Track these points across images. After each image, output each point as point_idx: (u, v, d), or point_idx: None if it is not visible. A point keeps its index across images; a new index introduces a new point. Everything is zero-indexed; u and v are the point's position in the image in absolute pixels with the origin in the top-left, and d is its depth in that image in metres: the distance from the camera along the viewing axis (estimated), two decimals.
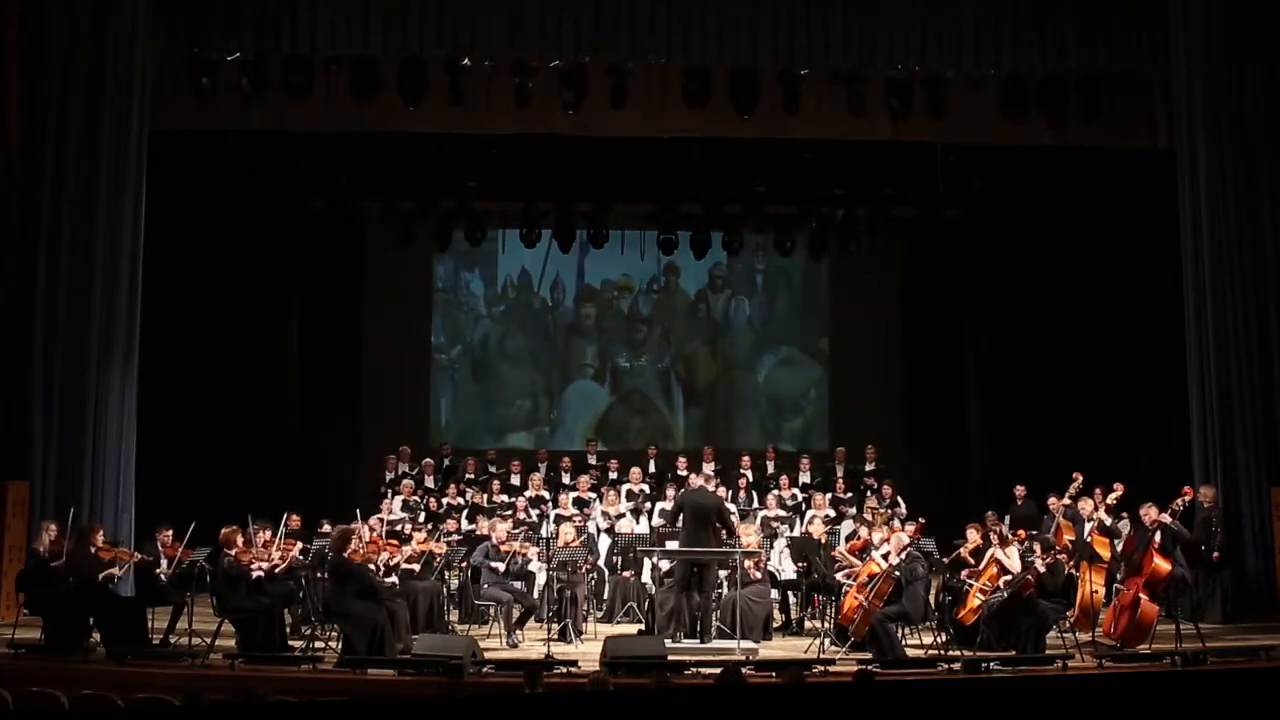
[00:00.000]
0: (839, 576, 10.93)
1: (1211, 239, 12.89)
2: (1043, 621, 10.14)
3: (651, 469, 15.48)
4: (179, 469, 14.99)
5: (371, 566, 10.47)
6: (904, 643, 10.46)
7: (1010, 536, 11.15)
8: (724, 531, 11.00)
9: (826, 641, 10.49)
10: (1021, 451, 15.91)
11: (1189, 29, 12.99)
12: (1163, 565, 10.78)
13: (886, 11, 13.02)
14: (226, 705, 6.74)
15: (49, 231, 12.25)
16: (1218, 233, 12.88)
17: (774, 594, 11.69)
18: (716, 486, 13.81)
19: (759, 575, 11.21)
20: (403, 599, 10.66)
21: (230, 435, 16.20)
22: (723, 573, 11.18)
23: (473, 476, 15.05)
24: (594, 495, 14.13)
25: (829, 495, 13.96)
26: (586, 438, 16.82)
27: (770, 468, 15.21)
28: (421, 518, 13.50)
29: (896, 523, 12.37)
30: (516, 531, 12.17)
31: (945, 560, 11.40)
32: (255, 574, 10.29)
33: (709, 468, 15.01)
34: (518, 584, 11.46)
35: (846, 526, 13.17)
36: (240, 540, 10.46)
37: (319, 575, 11.12)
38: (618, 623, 12.04)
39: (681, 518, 11.02)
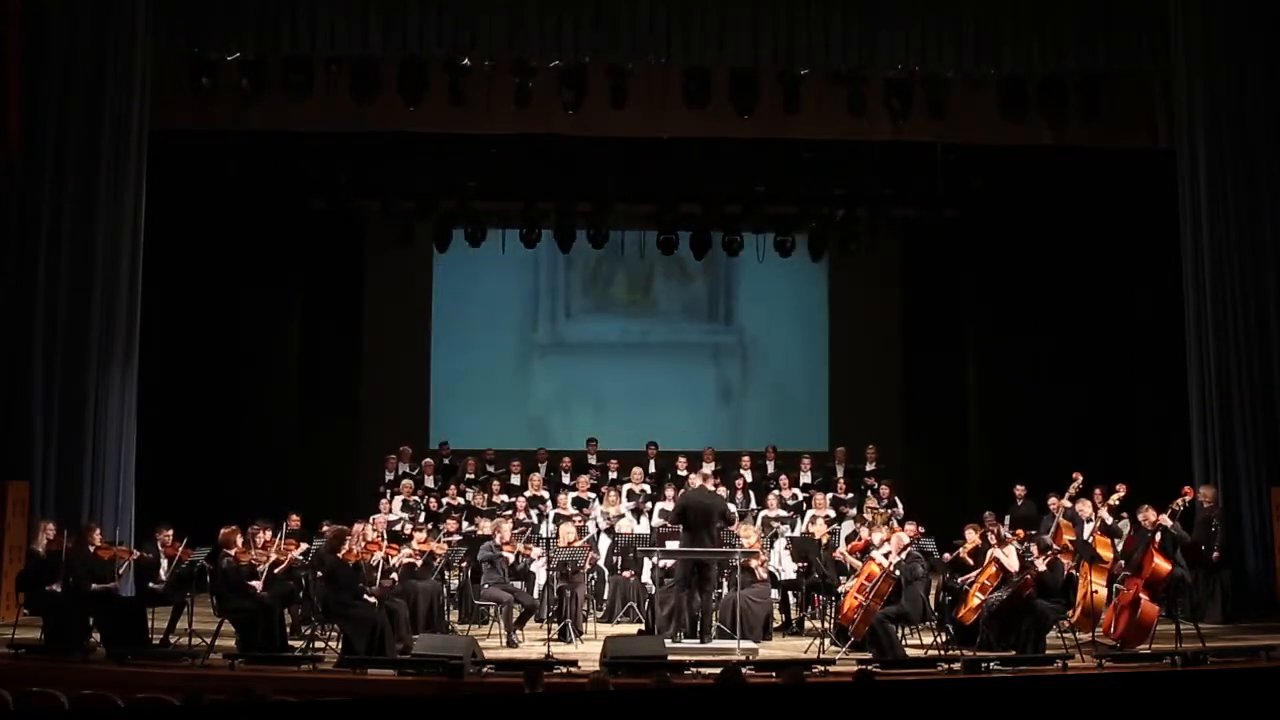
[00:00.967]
0: (847, 584, 10.90)
1: (1211, 239, 12.89)
2: (1042, 621, 10.15)
3: (652, 469, 15.47)
4: (179, 469, 14.99)
5: (372, 565, 10.48)
6: (904, 643, 10.46)
7: (1010, 536, 11.15)
8: (725, 526, 11.01)
9: (826, 641, 10.49)
10: (1021, 451, 15.90)
11: (1189, 29, 12.99)
12: (1162, 565, 10.78)
13: (886, 11, 13.02)
14: (226, 705, 6.74)
15: (49, 231, 12.25)
16: (1218, 233, 12.88)
17: (774, 594, 11.69)
18: (716, 486, 13.83)
19: (764, 575, 11.22)
20: (403, 599, 10.66)
21: (230, 435, 16.20)
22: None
23: (473, 477, 15.05)
24: (594, 495, 14.13)
25: (829, 495, 13.96)
26: (587, 438, 16.81)
27: (770, 468, 15.21)
28: (421, 518, 13.50)
29: (896, 523, 12.36)
30: (518, 531, 12.17)
31: (945, 560, 11.40)
32: (258, 570, 10.29)
33: (708, 467, 15.01)
34: (518, 584, 11.47)
35: (847, 526, 13.17)
36: (240, 540, 10.46)
37: (319, 575, 11.12)
38: (618, 623, 12.04)
39: (686, 518, 11.01)
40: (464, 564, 12.05)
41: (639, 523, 13.07)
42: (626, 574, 12.40)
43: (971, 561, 11.17)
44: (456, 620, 11.89)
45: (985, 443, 17.11)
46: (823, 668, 9.38)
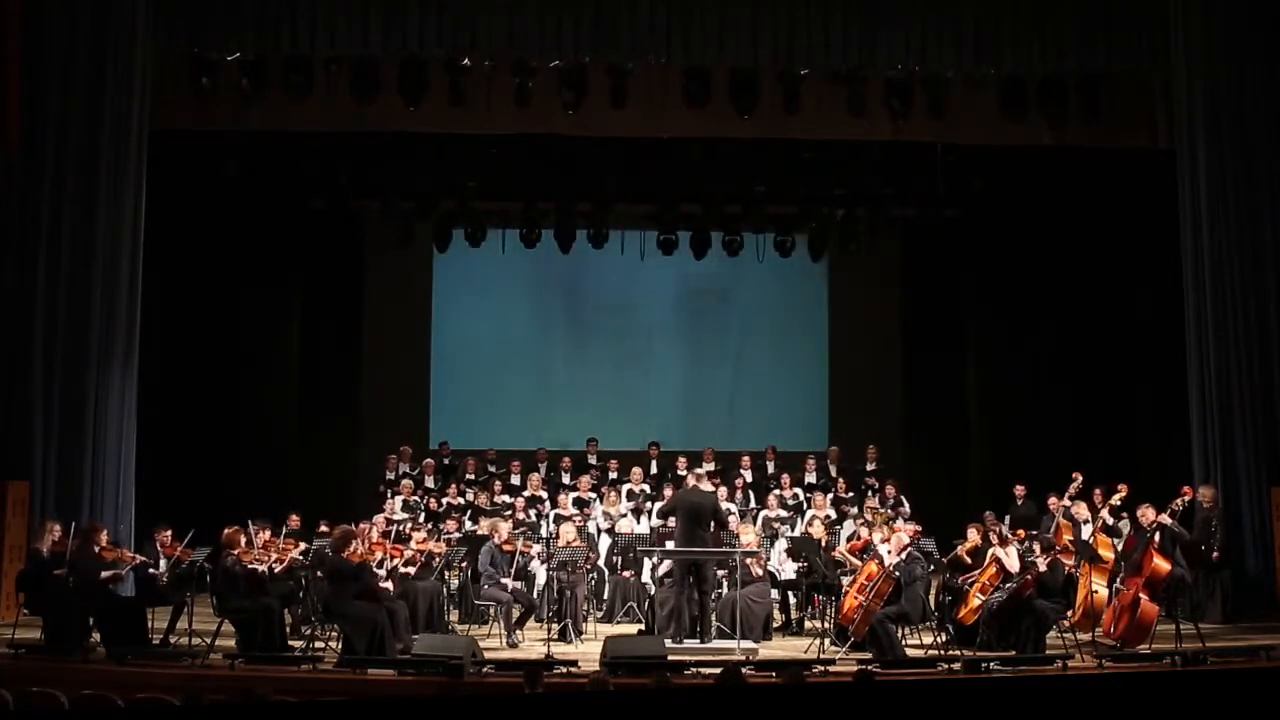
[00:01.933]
0: (846, 583, 10.90)
1: (1211, 239, 12.89)
2: (1042, 621, 10.15)
3: (652, 469, 15.47)
4: (179, 469, 14.99)
5: (374, 567, 10.48)
6: (904, 643, 10.46)
7: (1010, 536, 11.15)
8: (717, 529, 11.01)
9: (826, 641, 10.49)
10: (1021, 451, 15.92)
11: (1189, 29, 12.99)
12: (1162, 565, 10.78)
13: (886, 11, 13.02)
14: (226, 705, 6.74)
15: (49, 231, 12.25)
16: (1218, 233, 12.89)
17: (774, 594, 11.69)
18: (716, 486, 13.82)
19: (760, 572, 11.22)
20: (403, 599, 10.66)
21: (230, 435, 16.20)
22: (721, 571, 11.18)
23: (473, 477, 15.06)
24: (594, 495, 14.13)
25: (830, 495, 13.96)
26: (587, 438, 16.82)
27: (770, 468, 15.21)
28: (421, 518, 13.51)
29: (900, 522, 12.36)
30: (518, 531, 12.18)
31: (944, 560, 11.40)
32: (259, 570, 10.29)
33: (708, 467, 15.01)
34: (518, 584, 11.47)
35: (847, 527, 13.17)
36: (243, 541, 10.46)
37: (318, 575, 11.12)
38: (618, 623, 12.04)
39: (675, 518, 11.00)
40: (464, 564, 12.05)
41: (639, 523, 13.07)
42: (626, 574, 12.41)
43: (970, 561, 11.17)
44: (456, 620, 11.89)
45: (985, 443, 17.11)
46: (823, 668, 9.38)
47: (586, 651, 10.33)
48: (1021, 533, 11.57)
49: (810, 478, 14.87)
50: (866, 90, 13.46)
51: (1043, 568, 10.25)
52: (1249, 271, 12.84)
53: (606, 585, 12.46)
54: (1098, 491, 12.08)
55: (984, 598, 10.49)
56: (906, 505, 13.78)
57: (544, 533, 12.22)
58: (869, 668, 9.03)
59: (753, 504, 14.06)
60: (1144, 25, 13.20)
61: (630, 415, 17.69)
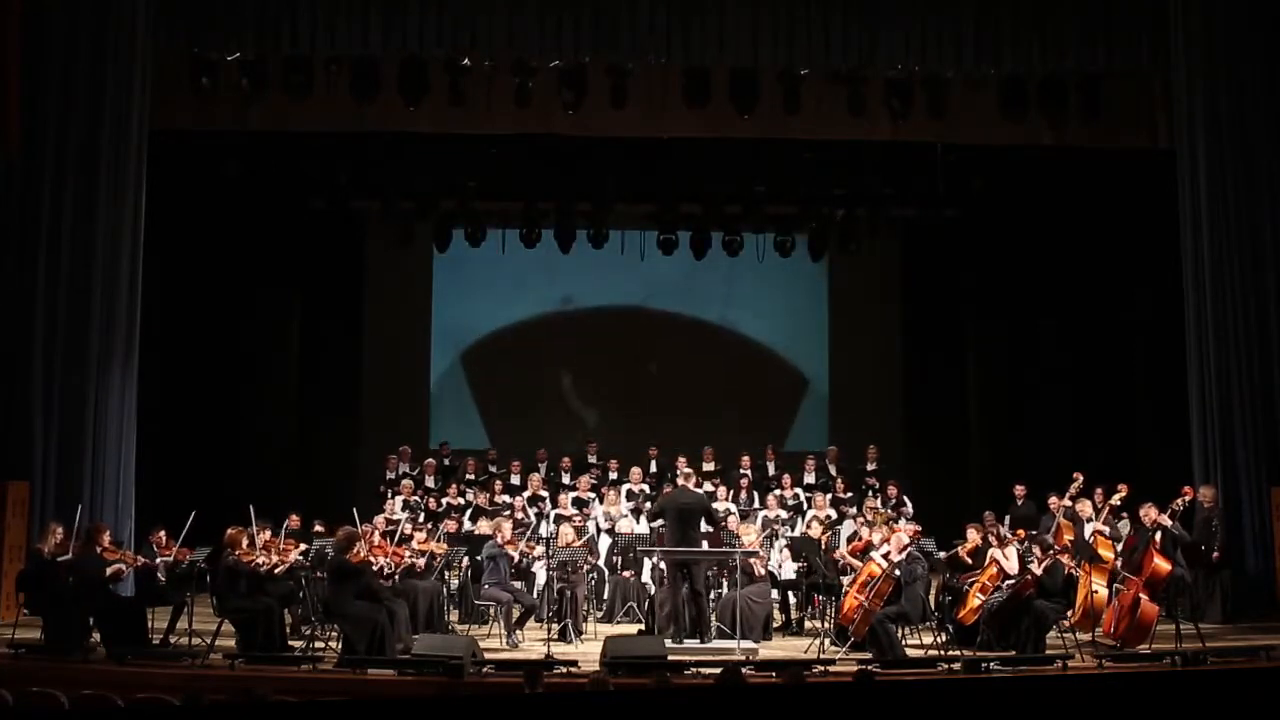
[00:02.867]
0: (846, 583, 10.90)
1: (1211, 239, 12.89)
2: (1042, 621, 10.14)
3: (652, 469, 15.47)
4: (179, 469, 14.99)
5: (374, 567, 10.48)
6: (904, 643, 10.46)
7: (1010, 536, 11.15)
8: (711, 527, 11.00)
9: (826, 641, 10.49)
10: (1021, 451, 15.92)
11: (1189, 29, 12.99)
12: (1162, 565, 10.78)
13: (886, 11, 13.02)
14: (226, 705, 6.74)
15: (49, 231, 12.25)
16: (1218, 233, 12.89)
17: (774, 594, 11.69)
18: (716, 486, 13.84)
19: (762, 572, 11.22)
20: (403, 599, 10.66)
21: (230, 435, 16.20)
22: (711, 571, 11.17)
23: (473, 477, 15.06)
24: (594, 495, 14.13)
25: (829, 495, 13.96)
26: (587, 438, 16.83)
27: (771, 468, 15.21)
28: (421, 518, 13.51)
29: (902, 521, 12.36)
30: (519, 531, 12.18)
31: (943, 559, 11.39)
32: (260, 571, 10.29)
33: (708, 466, 15.03)
34: (518, 584, 11.47)
35: (847, 527, 13.17)
36: (245, 541, 10.46)
37: (319, 575, 11.13)
38: (618, 623, 12.04)
39: (665, 519, 10.99)
40: (464, 564, 12.05)
41: (639, 523, 13.07)
42: (626, 574, 12.41)
43: (970, 561, 11.17)
44: (456, 620, 11.89)
45: (985, 443, 17.12)
46: (823, 668, 9.37)
47: (586, 651, 10.33)
48: (1021, 533, 11.57)
49: (809, 478, 14.86)
50: (866, 90, 13.46)
51: (1039, 571, 10.26)
52: (1249, 271, 12.85)
53: (606, 585, 12.46)
54: (1098, 491, 12.08)
55: (984, 598, 10.49)
56: (909, 505, 13.78)
57: (544, 532, 12.22)
58: (869, 668, 9.02)
59: (756, 504, 14.06)
60: (1144, 25, 13.20)
61: (630, 415, 17.69)
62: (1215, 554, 12.01)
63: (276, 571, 10.58)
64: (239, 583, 10.20)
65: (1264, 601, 12.33)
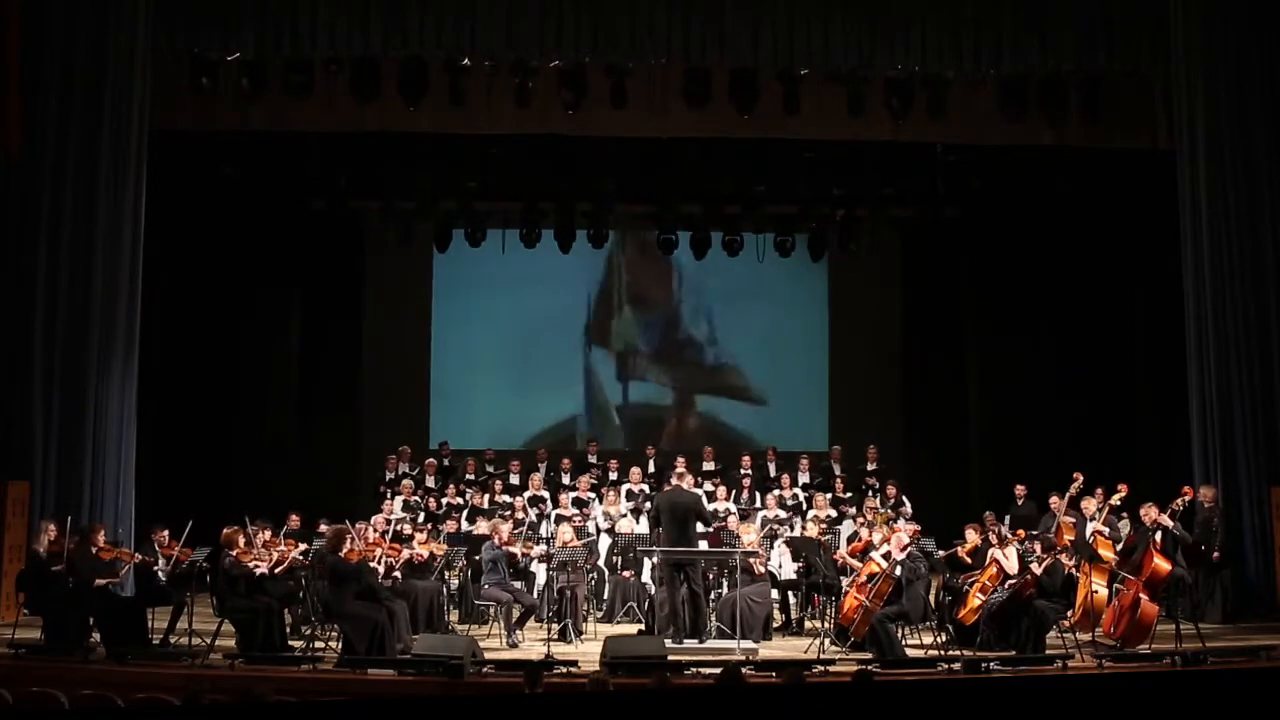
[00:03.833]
0: (846, 583, 10.90)
1: (1211, 239, 12.90)
2: (1042, 621, 10.15)
3: (651, 469, 15.47)
4: (179, 469, 14.99)
5: (372, 562, 10.48)
6: (904, 643, 10.46)
7: (1010, 536, 11.15)
8: (703, 526, 11.00)
9: (826, 641, 10.49)
10: (1021, 451, 15.91)
11: (1189, 29, 12.99)
12: (1162, 565, 10.78)
13: (886, 11, 13.02)
14: (226, 705, 6.73)
15: (49, 231, 12.25)
16: (1217, 233, 12.89)
17: (774, 594, 11.69)
18: (717, 486, 13.84)
19: (761, 572, 11.22)
20: (403, 599, 10.66)
21: (230, 435, 16.21)
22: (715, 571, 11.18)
23: (473, 477, 15.05)
24: (594, 495, 14.13)
25: (829, 495, 13.96)
26: (588, 438, 16.82)
27: (771, 468, 15.21)
28: (421, 518, 13.51)
29: (901, 522, 12.36)
30: (518, 531, 12.18)
31: (941, 558, 11.38)
32: (258, 571, 10.29)
33: (708, 466, 15.03)
34: (518, 584, 11.47)
35: (847, 527, 13.17)
36: (241, 541, 10.47)
37: (318, 575, 11.13)
38: (618, 623, 12.04)
39: (661, 519, 11.00)
40: (464, 564, 12.05)
41: (638, 523, 13.07)
42: (626, 574, 12.41)
43: (970, 561, 11.17)
44: (456, 620, 11.89)
45: (985, 442, 17.11)
46: (823, 668, 9.37)
47: (586, 651, 10.33)
48: (1021, 533, 11.57)
49: (804, 478, 14.86)
50: (866, 90, 13.45)
51: (1039, 571, 10.26)
52: (1249, 271, 12.85)
53: (606, 585, 12.46)
54: (1098, 491, 12.07)
55: (984, 598, 10.49)
56: (908, 505, 13.78)
57: (544, 532, 12.22)
58: (869, 668, 9.02)
59: (757, 503, 14.06)
60: (1144, 25, 13.20)
61: (630, 415, 17.69)
62: (1215, 554, 12.01)
63: (276, 571, 10.58)
64: (238, 583, 10.20)
65: (1264, 602, 12.33)
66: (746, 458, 15.31)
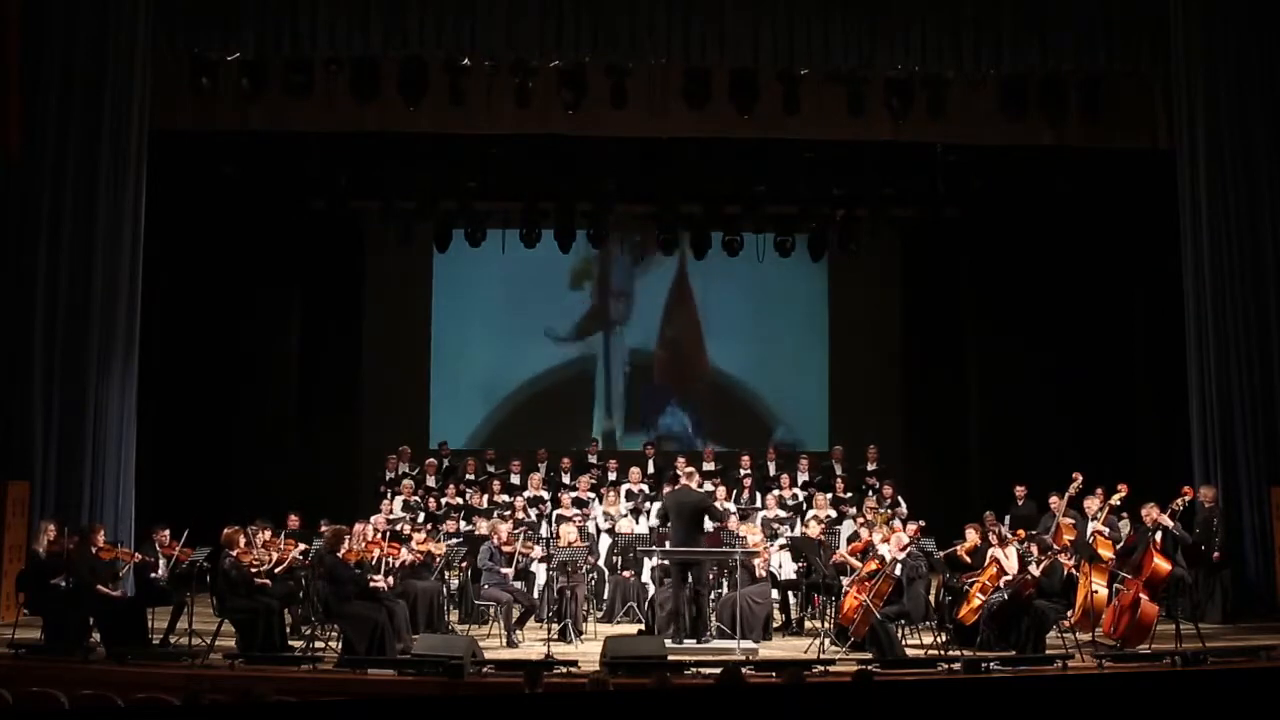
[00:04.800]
0: (846, 583, 10.90)
1: (1211, 239, 12.90)
2: (1043, 621, 10.15)
3: (650, 469, 15.47)
4: (179, 469, 14.99)
5: (372, 560, 10.48)
6: (904, 643, 10.47)
7: (1010, 536, 11.15)
8: (712, 524, 11.00)
9: (826, 641, 10.49)
10: (1021, 451, 15.91)
11: (1189, 29, 12.99)
12: (1162, 565, 10.78)
13: (886, 11, 13.02)
14: (226, 705, 6.73)
15: (49, 231, 12.25)
16: (1217, 233, 12.89)
17: (774, 594, 11.69)
18: (717, 486, 13.83)
19: (763, 573, 11.22)
20: (403, 599, 10.66)
21: (230, 435, 16.20)
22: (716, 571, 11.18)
23: (472, 477, 15.05)
24: (594, 495, 14.13)
25: (829, 495, 13.96)
26: (588, 438, 16.81)
27: (771, 468, 15.21)
28: (421, 518, 13.51)
29: (897, 522, 12.37)
30: (518, 531, 12.18)
31: (941, 557, 11.38)
32: (256, 576, 10.29)
33: (708, 466, 15.02)
34: (518, 584, 11.47)
35: (847, 527, 13.17)
36: (242, 541, 10.47)
37: (318, 575, 11.12)
38: (618, 623, 12.04)
39: (670, 517, 11.01)
40: (464, 564, 12.06)
41: (638, 523, 13.07)
42: (626, 574, 12.41)
43: (969, 560, 11.17)
44: (456, 620, 11.90)
45: (985, 443, 17.10)
46: (823, 668, 9.37)
47: (586, 651, 10.33)
48: (1021, 533, 11.57)
49: (804, 478, 14.86)
50: (866, 90, 13.45)
51: (1037, 572, 10.26)
52: (1249, 271, 12.85)
53: (606, 585, 12.46)
54: (1098, 491, 12.07)
55: (984, 598, 10.49)
56: (904, 505, 13.78)
57: (544, 532, 12.22)
58: (869, 668, 9.02)
59: (757, 503, 14.06)
60: (1144, 25, 13.19)
61: (630, 415, 17.68)
62: (1215, 554, 12.01)
63: (276, 571, 10.58)
64: (239, 584, 10.20)
65: (1264, 602, 12.33)
66: (746, 458, 15.30)
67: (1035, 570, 10.29)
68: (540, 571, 11.53)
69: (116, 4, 12.46)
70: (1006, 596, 10.28)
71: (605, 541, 12.89)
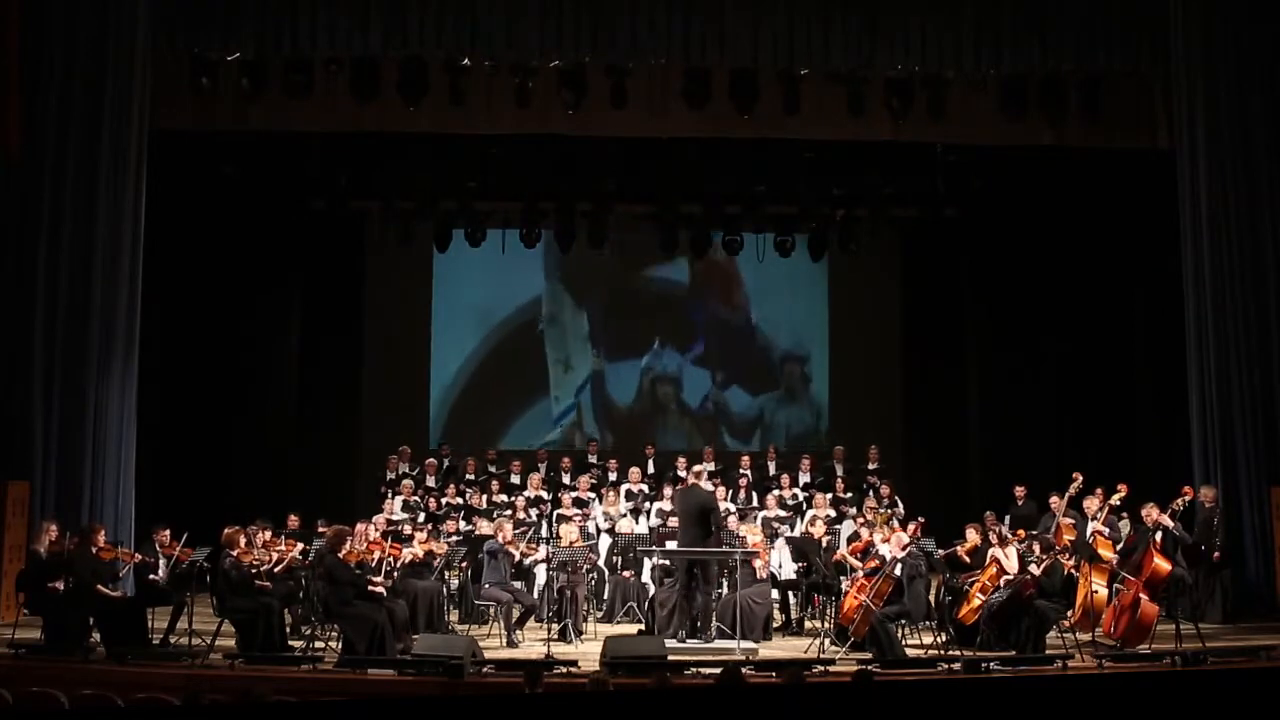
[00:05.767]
0: (846, 583, 10.90)
1: (1211, 239, 12.90)
2: (1043, 621, 10.15)
3: (650, 469, 15.48)
4: (179, 469, 15.00)
5: (373, 561, 10.48)
6: (904, 643, 10.47)
7: (1010, 536, 11.15)
8: (717, 529, 11.02)
9: (826, 641, 10.49)
10: (1021, 451, 15.91)
11: (1189, 29, 12.99)
12: (1162, 565, 10.78)
13: (886, 11, 13.02)
14: (226, 705, 6.73)
15: (49, 231, 12.25)
16: (1217, 233, 12.89)
17: (774, 594, 11.69)
18: (716, 486, 13.83)
19: (764, 574, 11.22)
20: (403, 599, 10.66)
21: (230, 435, 16.21)
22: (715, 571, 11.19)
23: (472, 477, 15.06)
24: (594, 495, 14.13)
25: (829, 495, 13.97)
26: (588, 438, 16.81)
27: (771, 468, 15.21)
28: (421, 518, 13.51)
29: (896, 523, 12.37)
30: (519, 532, 12.18)
31: (941, 557, 11.38)
32: (256, 576, 10.29)
33: (708, 466, 15.01)
34: (518, 584, 11.47)
35: (847, 527, 13.16)
36: (243, 541, 10.47)
37: (318, 575, 11.12)
38: (618, 623, 12.04)
39: (677, 517, 11.03)
40: (464, 564, 12.06)
41: (638, 523, 13.07)
42: (626, 574, 12.41)
43: (970, 560, 11.17)
44: (456, 620, 11.89)
45: (985, 442, 17.11)
46: (823, 668, 9.37)
47: (586, 651, 10.33)
48: (1021, 533, 11.57)
49: (804, 478, 14.86)
50: (866, 90, 13.45)
51: (1038, 571, 10.25)
52: (1249, 271, 12.85)
53: (606, 585, 12.46)
54: (1098, 491, 12.07)
55: (984, 597, 10.49)
56: (901, 506, 13.78)
57: (544, 533, 12.22)
58: (869, 668, 9.02)
59: (755, 503, 14.05)
60: (1144, 25, 13.20)
61: (630, 415, 17.68)
62: (1215, 554, 12.01)
63: (276, 571, 10.58)
64: (238, 583, 10.20)
65: (1264, 602, 12.33)
66: (746, 458, 15.31)
67: (1036, 570, 10.29)
68: (540, 571, 11.53)
69: (116, 4, 12.46)
70: (1006, 596, 10.27)
71: (605, 541, 12.89)
